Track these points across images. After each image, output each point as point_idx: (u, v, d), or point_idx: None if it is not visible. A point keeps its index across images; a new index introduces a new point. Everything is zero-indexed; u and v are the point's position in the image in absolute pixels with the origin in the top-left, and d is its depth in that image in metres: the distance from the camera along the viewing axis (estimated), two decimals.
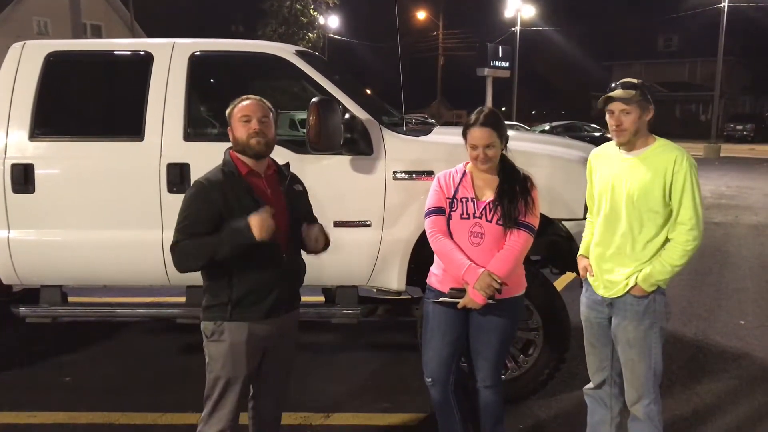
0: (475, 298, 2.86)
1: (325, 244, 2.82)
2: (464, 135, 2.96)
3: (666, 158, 2.72)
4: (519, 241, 2.89)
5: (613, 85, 2.81)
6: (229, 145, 2.77)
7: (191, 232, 2.58)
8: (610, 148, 2.94)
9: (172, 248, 2.64)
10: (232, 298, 2.64)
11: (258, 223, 2.48)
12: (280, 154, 3.70)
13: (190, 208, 2.62)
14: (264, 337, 2.71)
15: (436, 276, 3.06)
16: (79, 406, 3.97)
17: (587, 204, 3.15)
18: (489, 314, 2.94)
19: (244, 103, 2.71)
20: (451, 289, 2.95)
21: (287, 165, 2.87)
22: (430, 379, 3.07)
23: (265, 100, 2.76)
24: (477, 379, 3.07)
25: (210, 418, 2.71)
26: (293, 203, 2.78)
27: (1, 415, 3.87)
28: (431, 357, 3.06)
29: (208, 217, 2.58)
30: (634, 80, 2.79)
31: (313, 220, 2.94)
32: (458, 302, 2.92)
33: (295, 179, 2.88)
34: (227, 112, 2.74)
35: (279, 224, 2.61)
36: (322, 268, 3.68)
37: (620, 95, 2.75)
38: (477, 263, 2.87)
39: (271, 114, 2.75)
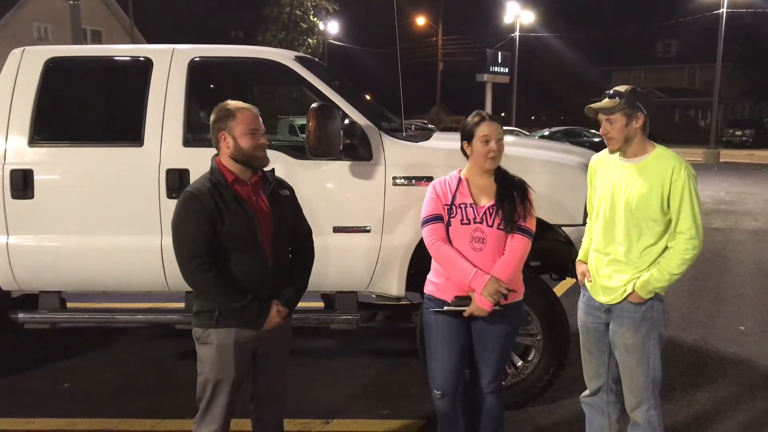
0: (482, 305, 2.83)
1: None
2: (470, 135, 2.92)
3: (664, 168, 2.71)
4: (519, 246, 2.89)
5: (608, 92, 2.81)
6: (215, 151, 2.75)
7: (206, 250, 2.59)
8: (611, 153, 2.93)
9: (194, 267, 2.58)
10: (219, 305, 2.67)
11: (271, 322, 2.71)
12: (280, 160, 3.72)
13: (191, 220, 2.60)
14: (252, 338, 2.72)
15: (436, 285, 3.00)
16: (78, 412, 3.97)
17: (587, 209, 3.14)
18: (491, 321, 2.92)
19: (247, 113, 2.70)
20: (456, 297, 2.91)
21: (272, 171, 2.86)
22: (439, 392, 3.00)
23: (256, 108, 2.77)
24: (480, 385, 3.05)
25: (203, 420, 2.76)
26: (278, 208, 2.78)
27: None
28: (439, 369, 2.99)
29: (207, 227, 2.59)
30: (623, 88, 2.78)
31: (303, 223, 2.95)
32: (464, 311, 2.88)
33: (281, 184, 2.87)
34: (219, 116, 2.71)
35: (263, 230, 2.67)
36: (321, 274, 3.67)
37: (599, 105, 2.76)
38: (480, 269, 2.85)
39: None
